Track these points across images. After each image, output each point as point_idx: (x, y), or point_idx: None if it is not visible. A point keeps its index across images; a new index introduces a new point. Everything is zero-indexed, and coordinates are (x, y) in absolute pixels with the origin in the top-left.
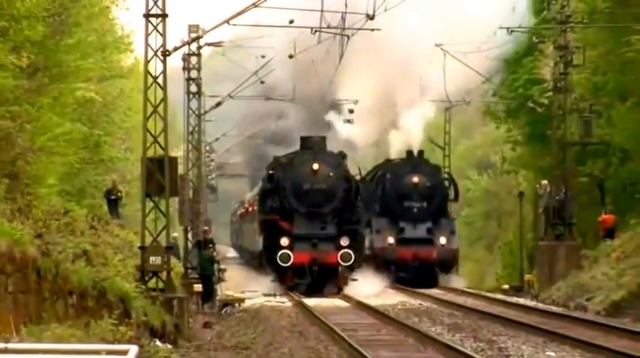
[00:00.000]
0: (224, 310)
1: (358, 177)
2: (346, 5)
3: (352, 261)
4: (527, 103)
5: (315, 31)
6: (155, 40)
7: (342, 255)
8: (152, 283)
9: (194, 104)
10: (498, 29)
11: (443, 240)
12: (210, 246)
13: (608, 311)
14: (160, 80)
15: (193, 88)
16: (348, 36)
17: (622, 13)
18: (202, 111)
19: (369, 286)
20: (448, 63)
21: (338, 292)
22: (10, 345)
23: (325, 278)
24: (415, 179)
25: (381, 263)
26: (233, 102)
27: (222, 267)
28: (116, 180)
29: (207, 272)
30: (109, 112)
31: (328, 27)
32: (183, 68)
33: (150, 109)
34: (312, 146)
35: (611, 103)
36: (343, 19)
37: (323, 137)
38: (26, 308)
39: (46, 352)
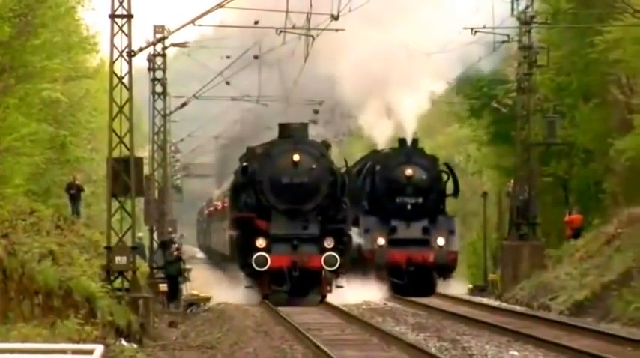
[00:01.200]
0: (189, 309)
1: (344, 170)
2: (311, 6)
3: (338, 265)
4: (491, 103)
5: (280, 31)
6: (121, 41)
7: (326, 258)
8: (118, 283)
9: (159, 104)
10: (462, 29)
11: (441, 241)
12: (174, 246)
13: (571, 310)
14: (125, 81)
15: (159, 89)
16: (313, 36)
17: (585, 13)
18: (168, 111)
19: (356, 294)
20: (413, 62)
21: (321, 301)
22: None
23: (307, 285)
24: (409, 171)
25: (371, 268)
26: (198, 102)
27: (187, 266)
28: (76, 175)
29: (172, 272)
30: (75, 112)
31: (293, 27)
32: (149, 69)
33: (115, 110)
34: (292, 134)
35: (575, 104)
36: (308, 19)
37: (305, 124)
38: None
39: (13, 351)
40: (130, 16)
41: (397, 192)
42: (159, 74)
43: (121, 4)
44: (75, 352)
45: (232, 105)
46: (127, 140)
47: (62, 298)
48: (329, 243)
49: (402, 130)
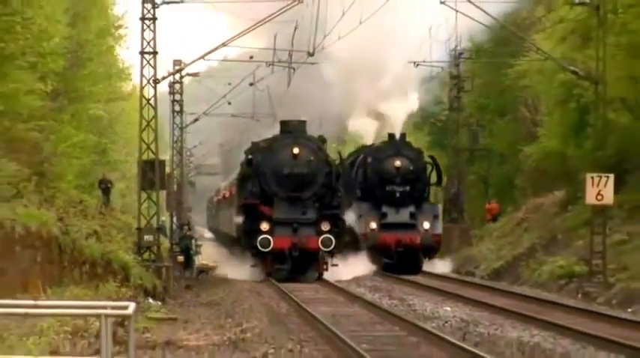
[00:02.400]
0: (200, 275)
1: (338, 162)
2: (292, 45)
3: (333, 246)
4: (430, 119)
5: (269, 64)
6: (148, 72)
7: (322, 240)
8: (146, 255)
9: (178, 120)
10: (408, 62)
11: (426, 225)
12: (187, 226)
13: (490, 276)
14: (151, 102)
15: (177, 108)
16: (294, 68)
17: (501, 51)
18: (184, 125)
19: (349, 271)
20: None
21: (318, 278)
22: (39, 302)
23: (306, 264)
24: (397, 163)
25: (364, 248)
26: (207, 118)
27: (198, 243)
28: (105, 173)
29: (183, 246)
30: (113, 126)
31: (279, 61)
32: (169, 93)
33: (144, 124)
34: (292, 130)
35: (493, 119)
36: (290, 55)
37: (303, 121)
38: (51, 274)
39: (66, 307)
40: (155, 53)
41: (387, 181)
42: (177, 97)
43: (148, 43)
44: (113, 308)
45: (232, 121)
46: (153, 147)
47: (103, 267)
48: (325, 226)
49: (389, 127)
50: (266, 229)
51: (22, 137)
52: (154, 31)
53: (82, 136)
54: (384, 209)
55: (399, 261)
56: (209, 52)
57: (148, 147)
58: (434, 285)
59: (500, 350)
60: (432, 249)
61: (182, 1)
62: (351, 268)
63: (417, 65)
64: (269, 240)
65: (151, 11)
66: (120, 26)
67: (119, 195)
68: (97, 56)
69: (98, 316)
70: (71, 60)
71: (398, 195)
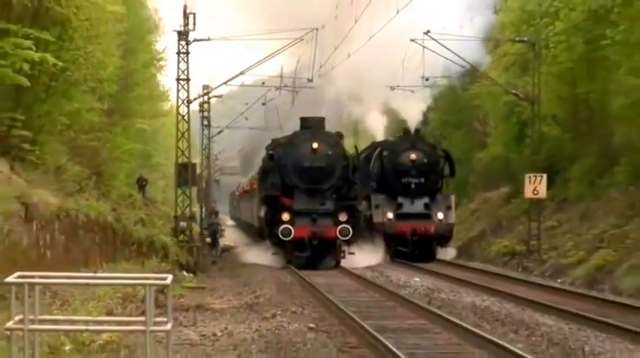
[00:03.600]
0: (223, 253)
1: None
2: (296, 73)
3: (350, 235)
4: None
5: (278, 88)
6: (182, 94)
7: (340, 229)
8: (181, 237)
9: (206, 132)
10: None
11: (440, 215)
12: (214, 215)
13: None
14: (185, 118)
15: (205, 123)
16: (297, 91)
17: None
18: (210, 136)
19: (365, 259)
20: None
21: (336, 265)
22: (97, 275)
23: (324, 252)
24: (413, 156)
25: (381, 237)
26: (228, 130)
27: (222, 228)
28: (141, 172)
29: (210, 230)
30: (156, 137)
31: (285, 86)
32: (199, 110)
33: (179, 135)
34: (312, 126)
35: (452, 131)
36: (294, 81)
37: (322, 118)
38: (106, 252)
39: (118, 278)
40: (188, 80)
41: (403, 173)
42: (205, 114)
43: (182, 72)
44: (155, 279)
45: (249, 132)
46: (186, 153)
47: (147, 247)
48: (342, 216)
49: (403, 123)
50: (287, 219)
51: (84, 145)
52: (187, 63)
53: (130, 145)
54: (400, 200)
55: (414, 249)
56: (230, 79)
57: (183, 153)
58: (406, 262)
59: (457, 311)
60: (445, 237)
61: (209, 39)
62: (366, 256)
63: (394, 89)
64: (290, 229)
65: (185, 47)
66: (161, 58)
67: (160, 190)
68: (142, 82)
69: (143, 285)
70: (122, 85)
71: (413, 186)
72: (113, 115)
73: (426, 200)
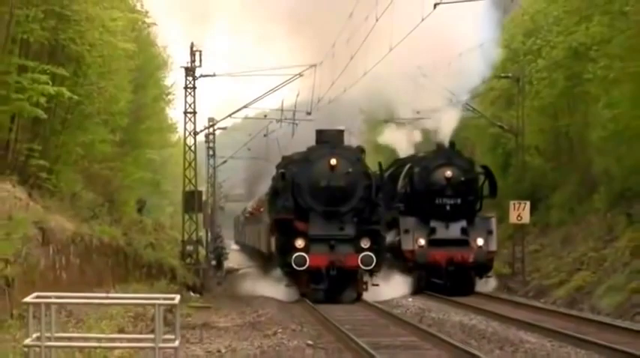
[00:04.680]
0: (227, 275)
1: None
2: (295, 106)
3: (374, 264)
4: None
5: (278, 121)
6: (189, 126)
7: (362, 257)
8: (188, 260)
9: (211, 161)
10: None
11: (480, 241)
12: (220, 239)
13: None
14: (192, 148)
15: (211, 153)
16: (296, 123)
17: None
18: (215, 165)
19: (391, 291)
20: None
21: (357, 298)
22: (110, 295)
23: (344, 284)
24: (448, 173)
25: (411, 267)
26: (232, 160)
27: (226, 251)
28: (141, 196)
29: (215, 254)
30: (164, 165)
31: (286, 119)
32: (205, 141)
33: (187, 164)
34: (329, 139)
35: None
36: (294, 114)
37: (341, 130)
38: (118, 274)
39: (130, 298)
40: (194, 113)
41: (437, 193)
42: (211, 145)
43: (189, 106)
44: (164, 299)
45: (251, 162)
46: (193, 181)
47: (157, 269)
48: (365, 243)
49: (434, 135)
50: (301, 246)
51: (97, 174)
52: (193, 97)
53: (141, 173)
54: (433, 224)
55: (449, 280)
56: (234, 112)
57: (190, 182)
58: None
59: (446, 329)
60: (486, 267)
61: (214, 75)
62: (392, 287)
63: (387, 122)
64: (304, 257)
65: (192, 82)
66: (169, 93)
67: (168, 216)
68: (152, 115)
69: (153, 305)
70: (133, 117)
71: (448, 208)
72: (125, 146)
73: (463, 224)
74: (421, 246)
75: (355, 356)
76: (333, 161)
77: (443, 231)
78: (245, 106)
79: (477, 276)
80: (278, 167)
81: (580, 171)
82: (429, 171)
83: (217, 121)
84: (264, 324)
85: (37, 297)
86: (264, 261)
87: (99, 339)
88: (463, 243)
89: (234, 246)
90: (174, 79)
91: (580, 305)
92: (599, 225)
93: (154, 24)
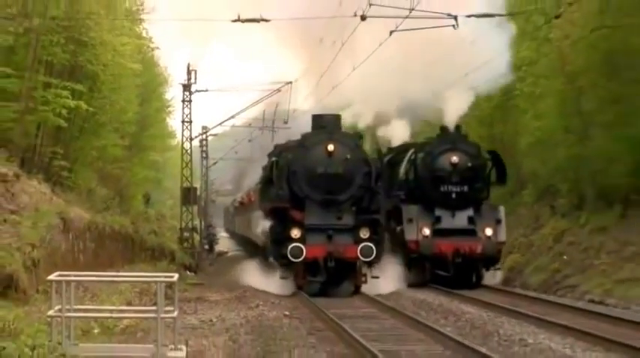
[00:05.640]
0: (217, 257)
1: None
2: (275, 114)
3: (374, 255)
4: None
5: (260, 128)
6: (186, 133)
7: (362, 248)
8: (185, 244)
9: (205, 162)
10: None
11: (489, 231)
12: (211, 227)
13: None
14: (188, 152)
15: (204, 155)
16: (275, 131)
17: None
18: (208, 166)
19: (390, 284)
20: None
21: (355, 291)
22: (120, 274)
23: (342, 276)
24: (454, 158)
25: (415, 259)
26: (222, 161)
27: (217, 237)
28: (147, 191)
29: (208, 239)
30: (165, 166)
31: (266, 127)
32: (200, 146)
33: (184, 165)
34: (326, 125)
35: None
36: (273, 122)
37: (338, 115)
38: (127, 256)
39: (136, 277)
40: (190, 122)
41: (442, 180)
42: (204, 148)
43: (186, 116)
44: (165, 277)
45: (238, 162)
46: (189, 179)
47: (159, 252)
48: (364, 233)
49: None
50: (297, 236)
51: (109, 173)
52: (190, 109)
53: (145, 173)
54: (438, 212)
55: (456, 273)
56: (223, 122)
57: (186, 179)
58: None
59: (401, 302)
60: (494, 259)
61: (207, 90)
62: (391, 280)
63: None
64: (301, 248)
65: (188, 96)
66: (169, 105)
67: (168, 208)
68: (155, 124)
69: (155, 282)
70: (139, 126)
71: (454, 196)
72: (132, 149)
73: (469, 212)
74: (426, 236)
75: (323, 323)
76: (331, 147)
77: (448, 220)
78: (232, 117)
79: (483, 268)
80: (270, 155)
81: (512, 171)
82: (434, 157)
83: (209, 129)
84: (249, 298)
85: (59, 276)
86: (255, 249)
87: (110, 311)
88: (470, 232)
89: (224, 234)
90: (173, 93)
91: (512, 282)
92: (527, 215)
93: (157, 48)
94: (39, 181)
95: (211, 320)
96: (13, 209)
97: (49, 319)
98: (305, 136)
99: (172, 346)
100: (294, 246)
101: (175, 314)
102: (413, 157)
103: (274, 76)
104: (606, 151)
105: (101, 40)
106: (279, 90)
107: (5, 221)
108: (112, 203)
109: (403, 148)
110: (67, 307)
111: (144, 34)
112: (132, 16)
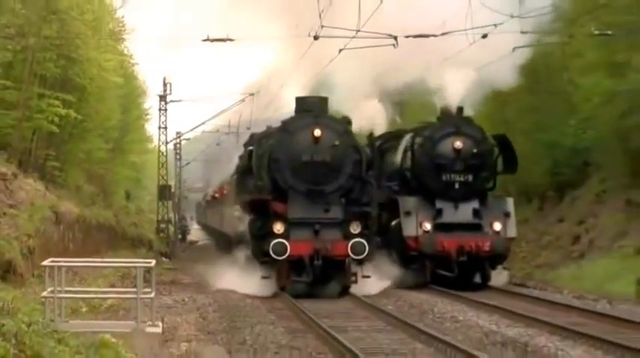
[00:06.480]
0: (189, 245)
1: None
2: (239, 123)
3: (366, 252)
4: None
5: (227, 134)
6: (162, 138)
7: (353, 245)
8: (161, 234)
9: (178, 163)
10: None
11: (497, 226)
12: (184, 220)
13: None
14: (164, 154)
15: (178, 157)
16: (240, 135)
17: None
18: (181, 166)
19: (380, 283)
20: None
21: (345, 292)
22: (104, 260)
23: (330, 275)
24: (458, 144)
25: (414, 257)
26: (194, 162)
27: (189, 228)
28: (128, 189)
29: (180, 229)
30: (144, 166)
31: (232, 132)
32: (174, 149)
33: (160, 165)
34: (312, 108)
35: None
36: (237, 129)
37: (325, 97)
38: (110, 245)
39: (119, 263)
40: (166, 128)
41: (444, 168)
42: (178, 151)
43: (162, 122)
44: (143, 263)
45: (208, 164)
46: (165, 178)
47: (139, 241)
48: (355, 228)
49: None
50: (280, 231)
51: (95, 172)
52: (165, 116)
53: (127, 172)
54: (439, 204)
55: (461, 273)
56: (195, 128)
57: (163, 178)
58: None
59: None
60: (502, 257)
61: (181, 101)
62: (383, 279)
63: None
64: (284, 245)
65: (164, 106)
66: (147, 114)
67: (147, 203)
68: (135, 130)
69: (135, 267)
70: (121, 132)
71: (457, 186)
72: (115, 152)
73: (474, 204)
74: (427, 232)
75: (282, 303)
76: (317, 132)
77: (451, 214)
78: (202, 123)
79: (491, 267)
80: (246, 144)
81: None
82: (435, 142)
83: (183, 134)
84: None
85: (52, 262)
86: (227, 242)
87: (96, 292)
88: (475, 227)
89: (196, 226)
90: (151, 103)
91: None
92: None
93: (137, 63)
94: (34, 179)
95: (184, 300)
96: (11, 204)
97: (42, 299)
98: (288, 121)
99: (150, 322)
100: (276, 243)
101: (153, 295)
102: (410, 143)
103: (242, 86)
104: (526, 154)
105: (88, 56)
106: (243, 100)
107: (5, 214)
108: (98, 198)
109: (392, 135)
110: (59, 289)
111: (125, 52)
112: (115, 36)
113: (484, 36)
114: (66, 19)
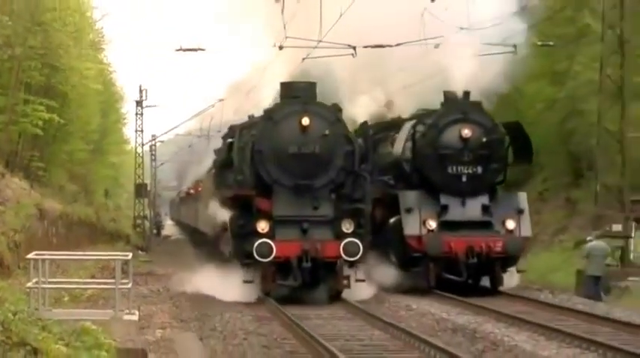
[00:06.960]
0: (164, 239)
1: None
2: (210, 126)
3: (360, 253)
4: None
5: (199, 136)
6: (139, 140)
7: (346, 245)
8: (138, 229)
9: (154, 164)
10: None
11: (510, 224)
12: (159, 216)
13: None
14: (140, 155)
15: (153, 158)
16: (210, 137)
17: None
18: (156, 166)
19: (371, 289)
20: None
21: (334, 296)
22: (85, 253)
23: (320, 278)
24: (466, 132)
25: (416, 259)
26: (167, 163)
27: (163, 224)
28: (107, 188)
29: (156, 225)
30: (122, 166)
31: (204, 135)
32: (150, 150)
33: (137, 166)
34: (300, 94)
35: None
36: (208, 132)
37: (313, 82)
38: (91, 240)
39: (98, 256)
40: (142, 131)
41: (450, 158)
42: (154, 152)
43: (139, 126)
44: (122, 256)
45: (180, 164)
46: (141, 177)
47: (117, 235)
48: (347, 226)
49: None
50: (264, 231)
51: (77, 172)
52: (142, 120)
53: (106, 172)
54: (444, 200)
55: (470, 276)
56: (169, 131)
57: (139, 177)
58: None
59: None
60: (515, 258)
61: (156, 106)
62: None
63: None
64: (270, 245)
65: (140, 110)
66: (125, 118)
67: (124, 200)
68: (113, 133)
69: (114, 260)
70: (101, 134)
71: (465, 179)
72: (95, 153)
73: (484, 200)
74: (431, 230)
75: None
76: (306, 120)
77: (458, 210)
78: (176, 127)
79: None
80: (225, 137)
81: None
82: (439, 130)
83: (157, 137)
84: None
85: (36, 255)
86: (202, 238)
87: (77, 283)
88: (485, 225)
89: (170, 222)
90: (128, 108)
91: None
92: None
93: (115, 71)
94: (20, 179)
95: (159, 290)
96: None
97: (27, 290)
98: (272, 108)
99: (127, 311)
100: (260, 243)
101: (130, 285)
102: (412, 132)
103: (212, 91)
104: None
105: (70, 65)
106: (213, 105)
107: None
108: (79, 196)
109: (385, 124)
110: (43, 280)
111: (104, 61)
112: (95, 46)
113: (436, 46)
114: (50, 30)
